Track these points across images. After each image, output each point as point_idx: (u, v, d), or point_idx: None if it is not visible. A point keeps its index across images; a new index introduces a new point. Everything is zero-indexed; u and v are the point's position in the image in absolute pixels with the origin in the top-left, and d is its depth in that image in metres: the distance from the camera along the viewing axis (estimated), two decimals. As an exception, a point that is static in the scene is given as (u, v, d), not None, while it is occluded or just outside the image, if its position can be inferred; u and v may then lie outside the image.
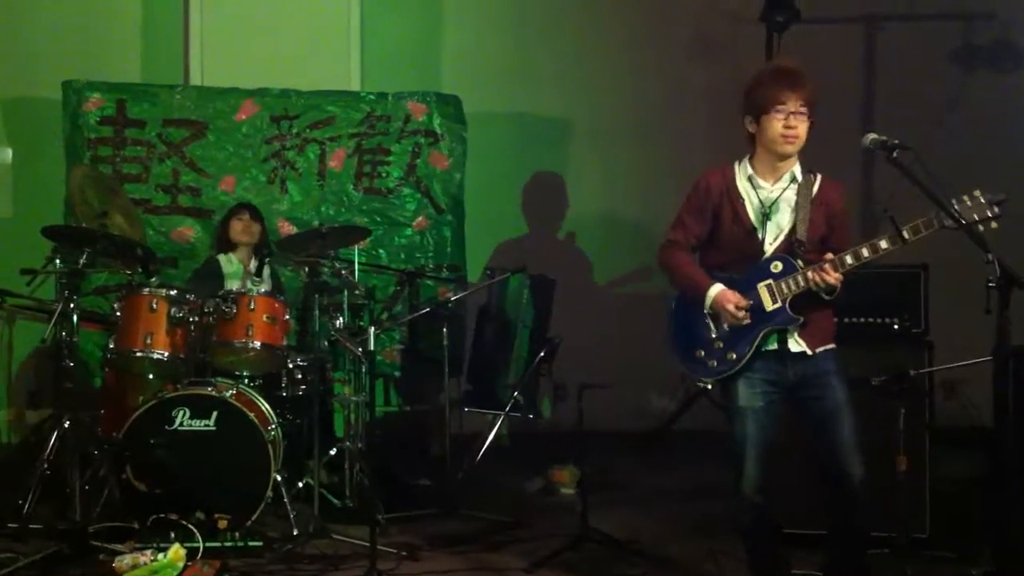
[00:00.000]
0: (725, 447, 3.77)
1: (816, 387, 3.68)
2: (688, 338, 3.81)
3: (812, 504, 3.86)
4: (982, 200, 3.45)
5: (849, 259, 3.58)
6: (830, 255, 3.60)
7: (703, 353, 3.77)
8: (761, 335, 3.68)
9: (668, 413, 7.30)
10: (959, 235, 3.41)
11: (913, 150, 3.44)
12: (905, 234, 3.49)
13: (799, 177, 3.74)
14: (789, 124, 3.67)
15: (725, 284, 3.72)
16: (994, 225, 3.43)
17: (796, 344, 3.69)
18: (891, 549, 4.35)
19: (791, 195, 3.73)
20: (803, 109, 3.66)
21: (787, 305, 3.65)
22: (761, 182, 3.77)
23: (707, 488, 5.57)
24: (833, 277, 3.57)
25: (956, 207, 3.43)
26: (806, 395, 3.71)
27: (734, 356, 3.70)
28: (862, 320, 4.74)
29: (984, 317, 3.37)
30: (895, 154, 3.46)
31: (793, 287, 3.64)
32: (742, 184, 3.79)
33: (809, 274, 3.60)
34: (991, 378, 3.49)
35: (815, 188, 3.74)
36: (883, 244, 3.55)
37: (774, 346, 3.70)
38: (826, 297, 3.63)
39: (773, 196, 3.74)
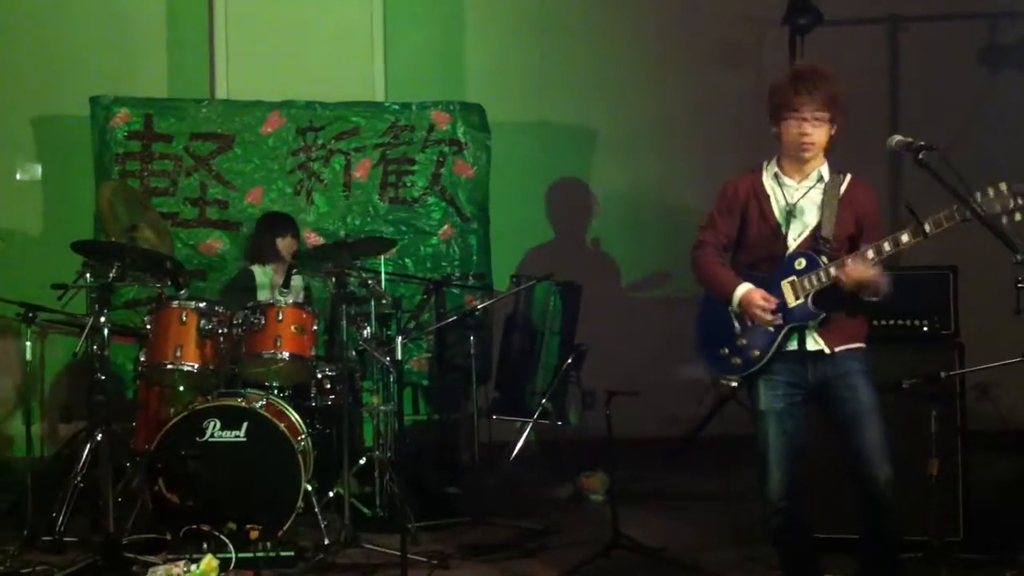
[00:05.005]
0: (754, 452, 3.76)
1: (840, 388, 3.66)
2: (713, 336, 3.81)
3: (844, 507, 3.84)
4: (1005, 192, 3.41)
5: (871, 253, 3.56)
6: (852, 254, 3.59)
7: (727, 351, 3.76)
8: (784, 332, 3.66)
9: (698, 419, 7.27)
10: (989, 236, 3.38)
11: (939, 151, 3.42)
12: (926, 227, 3.47)
13: (826, 176, 3.73)
14: (804, 131, 3.65)
15: (753, 283, 3.71)
16: (1018, 217, 3.39)
17: (814, 342, 3.67)
18: (925, 553, 4.32)
19: (817, 194, 3.72)
20: (819, 114, 3.63)
21: (809, 300, 3.64)
22: (787, 180, 3.76)
23: (738, 494, 5.53)
24: (856, 272, 3.55)
25: (979, 200, 3.40)
26: (830, 396, 3.69)
27: (757, 353, 3.69)
28: (892, 322, 4.72)
29: (1015, 318, 3.35)
30: (921, 155, 3.44)
31: (815, 282, 3.62)
32: (768, 182, 3.79)
33: (832, 270, 3.59)
34: (1023, 380, 3.47)
35: (843, 188, 3.72)
36: (904, 237, 3.53)
37: (794, 346, 3.69)
38: (871, 299, 3.59)
39: (799, 195, 3.73)
